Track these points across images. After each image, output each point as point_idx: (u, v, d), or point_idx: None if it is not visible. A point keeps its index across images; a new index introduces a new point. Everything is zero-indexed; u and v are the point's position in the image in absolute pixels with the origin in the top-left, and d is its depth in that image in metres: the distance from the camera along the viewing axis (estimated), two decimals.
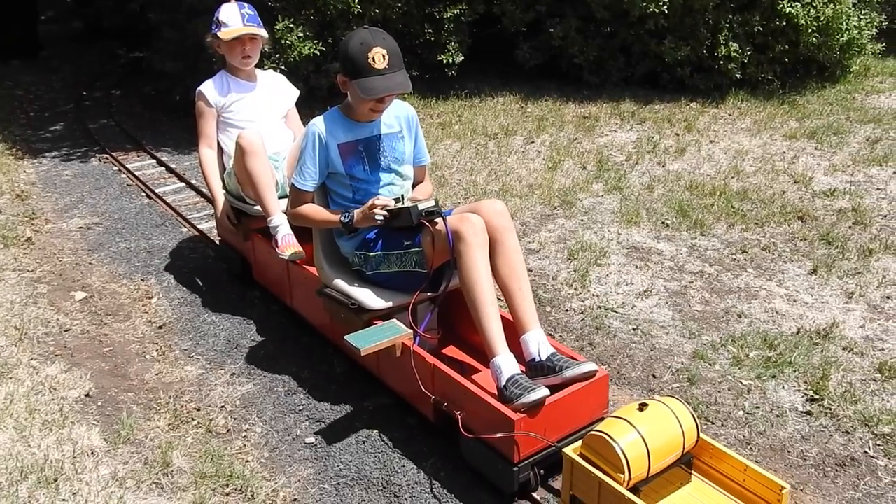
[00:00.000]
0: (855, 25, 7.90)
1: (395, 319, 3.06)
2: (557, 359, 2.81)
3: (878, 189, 5.48)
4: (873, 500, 2.68)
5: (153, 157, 6.78)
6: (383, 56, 2.90)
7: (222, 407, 3.33)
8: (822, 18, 7.62)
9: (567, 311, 3.98)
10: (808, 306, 3.93)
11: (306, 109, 7.31)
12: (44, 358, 3.65)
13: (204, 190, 5.85)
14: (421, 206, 2.99)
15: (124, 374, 3.58)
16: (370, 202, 3.07)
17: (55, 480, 2.81)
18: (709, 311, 3.92)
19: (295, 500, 2.81)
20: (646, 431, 2.46)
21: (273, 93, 4.21)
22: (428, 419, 3.03)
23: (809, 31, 7.60)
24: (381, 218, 3.03)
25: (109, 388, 3.47)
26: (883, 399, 3.18)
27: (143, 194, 5.91)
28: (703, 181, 5.65)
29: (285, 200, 3.68)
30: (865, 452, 2.91)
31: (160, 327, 3.98)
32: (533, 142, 6.69)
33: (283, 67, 6.65)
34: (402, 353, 3.00)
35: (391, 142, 3.23)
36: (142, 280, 4.48)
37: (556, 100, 7.89)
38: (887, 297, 3.98)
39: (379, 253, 3.17)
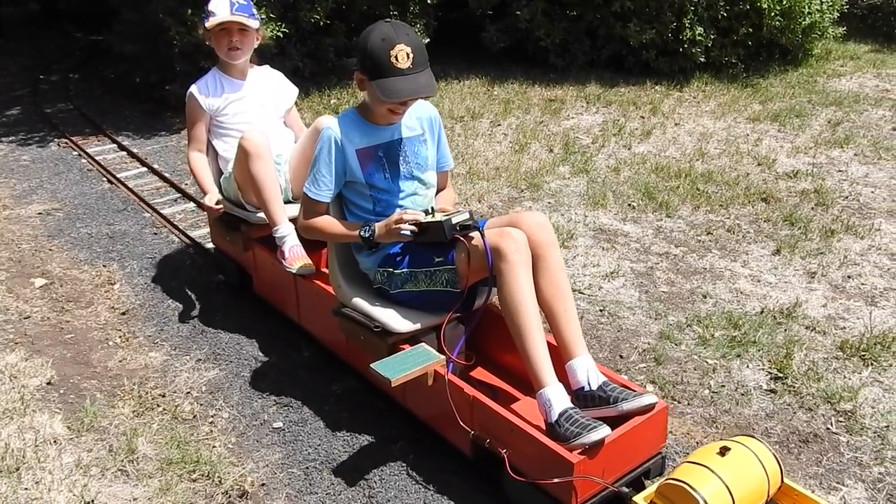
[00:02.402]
0: (817, 9, 7.99)
1: (423, 344, 2.77)
2: (611, 388, 2.53)
3: (839, 171, 5.56)
4: (836, 475, 2.73)
5: (114, 141, 6.66)
6: (407, 54, 2.59)
7: (188, 393, 3.28)
8: (784, 2, 7.70)
9: None
10: (771, 286, 3.98)
11: None
12: (3, 346, 3.58)
13: (167, 174, 5.76)
14: (455, 220, 2.68)
15: (87, 361, 3.52)
16: (396, 216, 2.75)
17: (17, 469, 2.75)
18: (674, 292, 3.95)
19: (263, 484, 2.78)
20: (729, 479, 2.19)
21: (270, 91, 3.89)
22: (463, 453, 2.72)
23: (772, 14, 7.67)
24: (409, 233, 2.73)
25: (72, 375, 3.40)
26: (844, 376, 3.23)
27: (104, 179, 5.80)
28: (668, 163, 5.69)
29: (290, 206, 3.56)
30: (828, 429, 2.95)
31: (123, 313, 3.91)
32: (499, 125, 6.68)
33: None
34: (435, 381, 2.70)
35: (413, 146, 2.92)
36: (104, 266, 4.40)
37: (522, 83, 7.89)
38: (848, 277, 4.05)
39: (405, 270, 2.86)
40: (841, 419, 3.00)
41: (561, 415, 2.43)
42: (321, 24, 7.21)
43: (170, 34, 6.54)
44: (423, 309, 2.88)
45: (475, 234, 2.67)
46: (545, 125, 6.65)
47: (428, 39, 7.83)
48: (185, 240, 4.67)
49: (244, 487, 2.76)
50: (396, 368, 2.61)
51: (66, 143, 6.70)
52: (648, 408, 2.49)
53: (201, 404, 3.21)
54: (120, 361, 3.51)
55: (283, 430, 3.06)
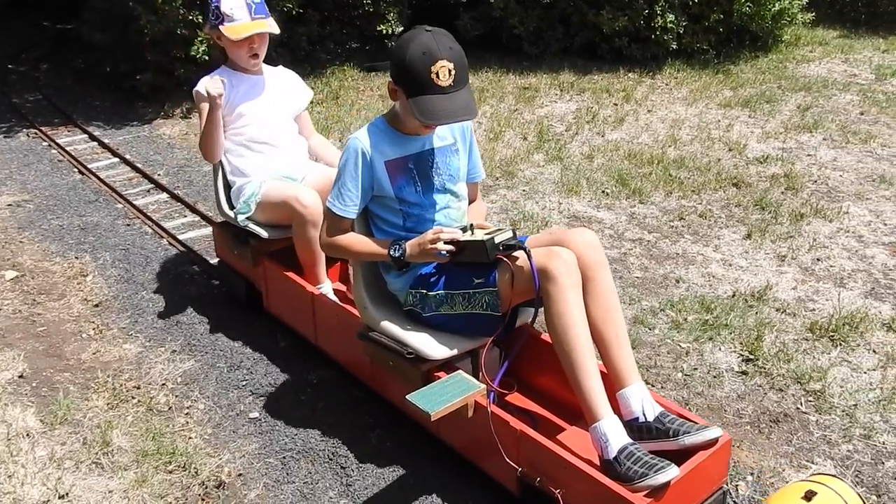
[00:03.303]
0: None
1: (461, 371, 2.55)
2: (670, 420, 2.35)
3: (808, 155, 5.63)
4: (805, 453, 2.78)
5: (85, 131, 6.58)
6: (449, 71, 2.36)
7: (163, 384, 3.27)
8: None
9: None
10: (742, 270, 4.04)
11: None
12: None
13: (139, 165, 5.71)
14: (498, 239, 2.48)
15: (60, 353, 3.49)
16: (431, 233, 2.53)
17: None
18: (648, 277, 3.99)
19: (240, 474, 2.78)
20: None
21: (284, 94, 3.61)
22: (509, 491, 2.52)
23: (742, 1, 7.72)
24: (446, 252, 2.52)
25: (44, 368, 3.38)
26: (814, 357, 3.29)
27: (76, 170, 5.74)
28: (641, 150, 5.73)
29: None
30: (798, 409, 3.01)
31: (96, 305, 3.88)
32: None
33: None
34: (476, 412, 2.47)
35: (445, 157, 2.70)
36: (76, 258, 4.36)
37: (496, 71, 7.89)
38: (817, 260, 4.11)
39: (441, 292, 2.63)
40: (810, 399, 3.05)
41: (620, 451, 2.25)
42: (294, 12, 7.15)
43: (140, 23, 6.47)
44: (458, 333, 2.67)
45: (520, 253, 2.46)
46: (519, 113, 6.67)
47: (401, 27, 7.80)
48: (159, 231, 4.64)
49: (221, 478, 2.75)
50: (435, 400, 2.38)
51: (35, 133, 6.61)
52: (713, 442, 2.30)
53: (177, 396, 3.20)
54: (94, 354, 3.48)
55: (260, 420, 3.06)
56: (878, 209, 4.70)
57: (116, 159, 5.92)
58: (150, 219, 4.78)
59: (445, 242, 2.50)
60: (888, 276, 3.94)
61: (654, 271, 4.05)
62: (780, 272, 4.00)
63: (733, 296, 3.77)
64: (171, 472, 2.77)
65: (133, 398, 3.17)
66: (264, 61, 3.62)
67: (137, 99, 7.25)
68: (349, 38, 8.03)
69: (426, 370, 2.62)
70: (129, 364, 3.41)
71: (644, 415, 2.38)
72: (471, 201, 2.89)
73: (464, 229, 2.58)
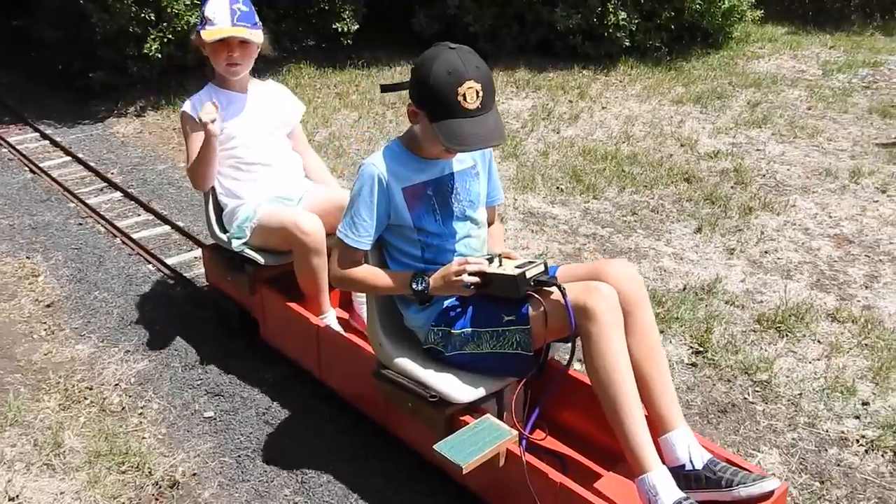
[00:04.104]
0: None
1: (489, 416, 2.36)
2: (721, 468, 2.19)
3: (757, 150, 5.75)
4: (752, 442, 2.86)
5: (36, 130, 6.48)
6: (477, 92, 2.17)
7: (116, 385, 3.25)
8: None
9: None
10: (693, 263, 4.12)
11: (195, 80, 7.12)
12: None
13: (92, 164, 5.63)
14: (529, 273, 2.31)
15: (10, 355, 3.44)
16: (456, 265, 2.34)
17: None
18: None
19: (194, 474, 2.78)
20: None
21: (273, 109, 3.39)
22: None
23: None
24: (472, 284, 2.33)
25: None
26: (761, 348, 3.37)
27: (26, 169, 5.65)
28: (595, 146, 5.80)
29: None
30: (745, 399, 3.09)
31: (48, 306, 3.83)
32: None
33: (170, 37, 6.43)
34: (508, 462, 2.30)
35: (465, 181, 2.50)
36: (27, 258, 4.29)
37: None
38: (765, 252, 4.21)
39: (466, 330, 2.42)
40: (757, 389, 3.13)
41: None
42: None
43: (92, 21, 6.38)
44: (482, 372, 2.45)
45: (554, 289, 2.27)
46: None
47: (357, 25, 7.79)
48: (112, 230, 4.59)
49: (175, 477, 2.75)
50: (465, 451, 2.20)
51: None
52: (769, 495, 2.13)
53: (130, 396, 3.18)
54: (45, 355, 3.44)
55: (215, 419, 3.06)
56: (823, 202, 4.83)
57: (69, 158, 5.83)
58: (103, 218, 4.73)
59: (471, 274, 2.32)
60: (833, 267, 4.05)
61: None
62: (730, 265, 4.09)
63: (684, 289, 3.85)
64: (124, 473, 2.75)
65: (85, 399, 3.14)
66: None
67: (90, 97, 7.14)
68: (305, 36, 7.99)
69: (450, 414, 2.40)
70: (81, 365, 3.37)
71: (691, 462, 2.22)
72: (489, 224, 2.69)
73: (490, 260, 2.39)
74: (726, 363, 3.27)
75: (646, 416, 2.25)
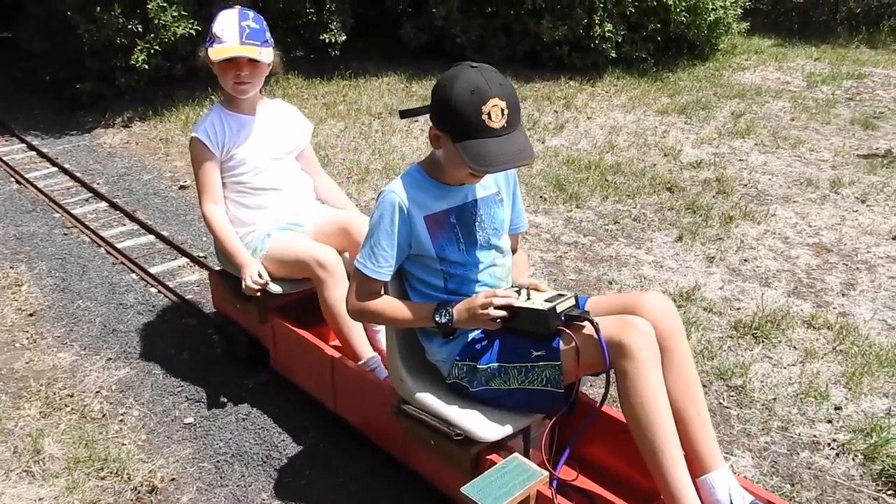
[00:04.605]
0: (721, 5, 8.28)
1: (517, 455, 2.24)
2: None
3: (740, 160, 5.80)
4: (726, 446, 2.88)
5: (23, 141, 6.51)
6: (502, 110, 2.07)
7: (97, 392, 3.26)
8: None
9: None
10: (673, 271, 4.16)
11: (182, 91, 7.16)
12: None
13: (78, 174, 5.66)
14: (560, 307, 2.20)
15: None
16: (483, 298, 2.23)
17: None
18: (582, 279, 4.09)
19: (173, 479, 2.80)
20: None
21: (283, 131, 3.25)
22: None
23: (678, 10, 7.93)
24: (498, 318, 2.22)
25: None
26: (737, 354, 3.41)
27: (13, 179, 5.66)
28: (579, 156, 5.85)
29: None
30: (720, 403, 3.12)
31: (31, 315, 3.85)
32: (417, 121, 6.74)
33: (157, 48, 6.47)
34: (539, 503, 2.21)
35: (489, 208, 2.39)
36: (10, 268, 4.31)
37: None
38: (744, 260, 4.25)
39: (493, 365, 2.30)
40: (732, 394, 3.17)
41: None
42: None
43: (79, 31, 6.42)
44: (511, 409, 2.34)
45: (587, 324, 2.16)
46: None
47: (345, 36, 7.85)
48: (97, 240, 4.61)
49: (154, 483, 2.77)
50: (494, 493, 2.10)
51: None
52: None
53: (111, 403, 3.20)
54: (27, 363, 3.46)
55: (195, 425, 3.07)
56: (804, 211, 4.88)
57: (55, 168, 5.85)
58: (87, 228, 4.74)
59: (498, 307, 2.21)
60: (811, 275, 4.10)
61: (588, 273, 4.15)
62: (709, 273, 4.13)
63: None
64: (103, 479, 2.77)
65: (66, 406, 3.15)
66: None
67: (78, 108, 7.17)
68: (293, 47, 8.04)
69: (475, 453, 2.29)
70: (63, 373, 3.39)
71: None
72: (512, 252, 2.56)
73: (517, 292, 2.30)
74: (702, 368, 3.30)
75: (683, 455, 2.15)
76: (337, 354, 2.89)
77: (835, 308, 3.76)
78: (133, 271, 4.24)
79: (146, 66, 6.48)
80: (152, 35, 6.46)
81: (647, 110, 7.04)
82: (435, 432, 2.35)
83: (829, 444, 2.85)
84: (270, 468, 2.83)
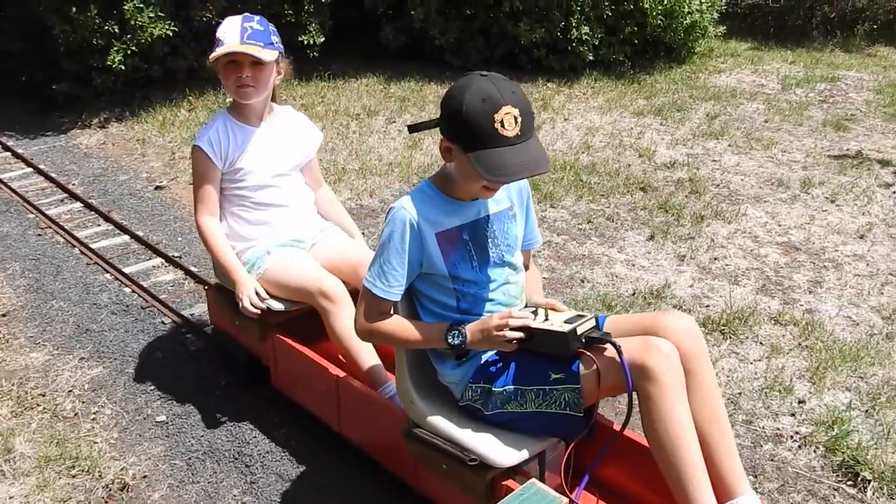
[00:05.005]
0: (697, 9, 8.37)
1: (534, 481, 2.12)
2: None
3: (713, 161, 5.88)
4: None
5: None
6: (515, 118, 2.00)
7: (70, 391, 3.27)
8: (665, 2, 8.03)
9: None
10: (644, 269, 4.21)
11: (160, 92, 7.16)
12: None
13: (53, 175, 5.64)
14: (580, 329, 2.12)
15: None
16: (499, 318, 2.15)
17: None
18: (555, 278, 4.13)
19: (145, 476, 2.81)
20: None
21: (291, 143, 3.11)
22: None
23: (654, 14, 8.00)
24: (514, 339, 2.14)
25: None
26: None
27: None
28: (555, 156, 5.90)
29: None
30: None
31: (3, 315, 3.84)
32: (394, 122, 6.78)
33: (134, 49, 6.46)
34: None
35: (502, 223, 2.31)
36: None
37: (418, 80, 8.01)
38: (715, 259, 4.31)
39: (510, 387, 2.22)
40: None
41: None
42: (213, 22, 7.15)
43: (54, 32, 6.40)
44: (527, 432, 2.25)
45: (609, 346, 2.08)
46: None
47: (323, 38, 7.86)
48: (71, 240, 4.60)
49: (125, 480, 2.78)
50: None
51: None
52: None
53: (83, 402, 3.20)
54: None
55: (167, 423, 3.09)
56: (774, 211, 4.95)
57: (30, 169, 5.83)
58: (62, 228, 4.74)
59: (514, 328, 2.14)
60: (779, 273, 4.16)
61: (561, 272, 4.20)
62: (679, 271, 4.19)
63: (633, 294, 3.94)
64: (74, 477, 2.78)
65: (38, 405, 3.16)
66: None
67: (54, 108, 7.15)
68: None
69: (491, 478, 2.21)
70: (35, 372, 3.39)
71: None
72: (524, 268, 2.48)
73: (534, 312, 2.22)
74: None
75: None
76: (342, 374, 2.77)
77: (801, 305, 3.83)
78: (107, 271, 4.24)
79: (123, 67, 6.47)
80: (129, 36, 6.44)
81: (624, 112, 7.10)
82: (448, 457, 2.26)
83: (791, 437, 2.91)
84: (242, 464, 2.85)
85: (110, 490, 2.74)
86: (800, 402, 3.09)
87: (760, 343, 3.50)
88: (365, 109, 7.03)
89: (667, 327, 2.15)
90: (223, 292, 3.18)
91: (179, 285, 4.12)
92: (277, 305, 2.94)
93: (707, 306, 3.83)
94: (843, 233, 4.64)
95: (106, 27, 6.36)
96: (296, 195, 3.13)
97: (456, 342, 2.19)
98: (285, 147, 3.09)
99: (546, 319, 2.18)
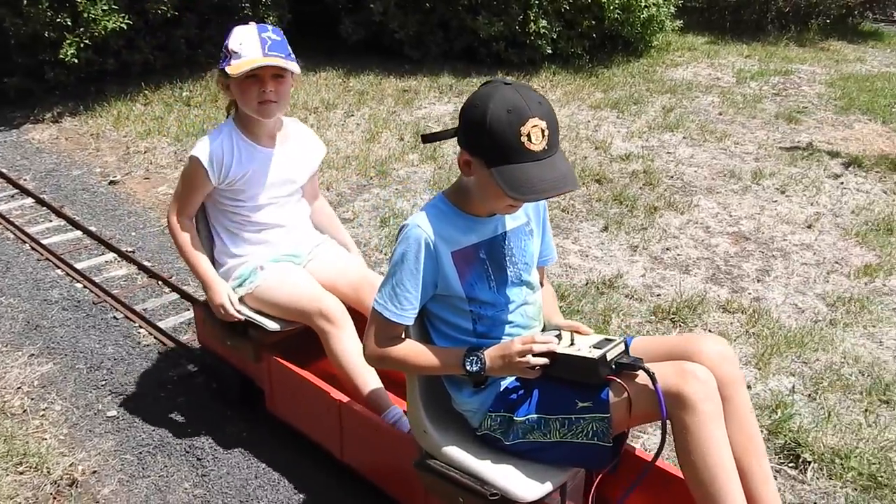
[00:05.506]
0: (654, 3, 8.45)
1: None
2: None
3: (668, 153, 5.96)
4: (639, 428, 2.98)
5: None
6: (542, 131, 1.86)
7: (19, 388, 3.23)
8: None
9: (381, 274, 4.11)
10: (597, 260, 4.27)
11: (115, 86, 7.07)
12: None
13: (4, 170, 5.55)
14: (610, 355, 1.98)
15: None
16: (520, 344, 2.01)
17: None
18: None
19: (94, 472, 2.79)
20: None
21: (297, 166, 2.92)
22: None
23: (612, 8, 8.07)
24: (538, 366, 2.00)
25: None
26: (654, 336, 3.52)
27: None
28: None
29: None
30: None
31: None
32: (353, 115, 6.77)
33: (87, 42, 6.37)
34: None
35: (519, 240, 2.18)
36: None
37: (377, 74, 8.00)
38: (667, 249, 4.38)
39: (533, 416, 2.08)
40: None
41: None
42: (169, 15, 7.08)
43: (4, 25, 6.29)
44: (550, 463, 2.11)
45: (641, 372, 1.95)
46: (397, 115, 6.80)
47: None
48: (21, 236, 4.53)
49: (74, 476, 2.76)
50: None
51: None
52: None
53: (32, 399, 3.17)
54: None
55: (118, 418, 3.07)
56: (725, 202, 5.04)
57: None
58: (12, 224, 4.66)
59: (538, 354, 2.00)
60: (728, 262, 4.24)
61: None
62: (632, 261, 4.25)
63: (586, 284, 3.99)
64: (21, 473, 2.75)
65: None
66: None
67: (5, 103, 7.01)
68: None
69: None
70: None
71: None
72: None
73: (558, 336, 2.09)
74: None
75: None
76: (345, 398, 2.60)
77: (749, 293, 3.91)
78: (58, 267, 4.19)
79: (76, 61, 6.37)
80: (82, 29, 6.34)
81: (581, 105, 7.16)
82: (465, 490, 2.11)
83: None
84: (193, 458, 2.84)
85: (59, 486, 2.72)
86: (746, 387, 3.14)
87: (709, 330, 3.57)
88: (323, 103, 7.01)
89: (701, 352, 2.03)
90: (212, 310, 2.92)
91: (133, 280, 4.08)
92: (272, 325, 2.76)
93: (658, 295, 3.89)
94: (792, 223, 4.74)
95: (58, 20, 6.24)
96: (295, 213, 2.97)
97: (474, 369, 2.04)
98: (292, 170, 2.90)
99: (572, 344, 2.05)
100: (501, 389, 2.14)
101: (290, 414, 2.86)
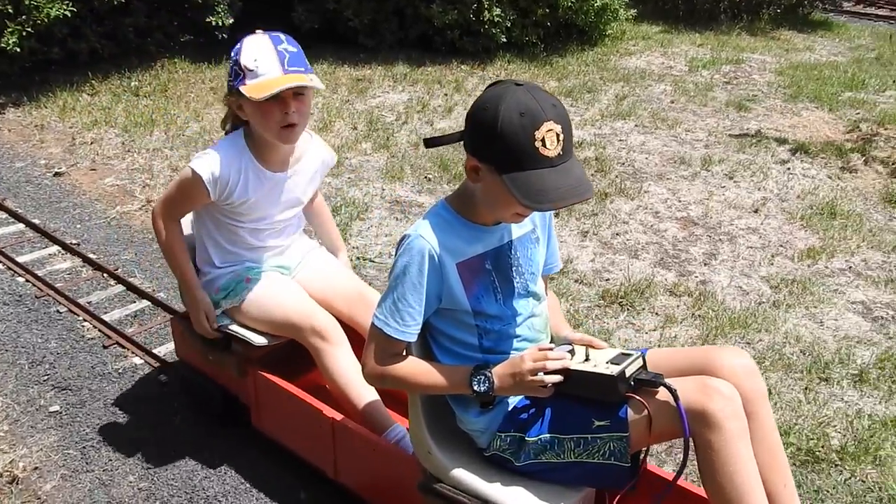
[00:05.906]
0: None
1: None
2: None
3: (620, 140, 6.00)
4: None
5: None
6: (557, 136, 1.75)
7: None
8: None
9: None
10: None
11: (60, 76, 6.92)
12: None
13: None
14: (629, 370, 1.88)
15: None
16: (531, 361, 1.90)
17: None
18: None
19: (36, 468, 2.74)
20: None
21: (307, 188, 2.71)
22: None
23: None
24: (551, 384, 1.90)
25: None
26: (602, 321, 3.56)
27: None
28: None
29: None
30: None
31: None
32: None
33: (30, 30, 6.22)
34: None
35: (525, 249, 2.07)
36: None
37: (331, 63, 7.93)
38: (616, 234, 4.42)
39: (545, 436, 1.96)
40: None
41: None
42: (117, 2, 6.94)
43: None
44: (563, 484, 2.00)
45: (662, 389, 1.84)
46: (351, 104, 6.75)
47: (232, 20, 7.71)
48: None
49: (14, 473, 2.71)
50: None
51: None
52: None
53: None
54: None
55: (60, 413, 3.02)
56: (675, 188, 5.10)
57: None
58: None
59: (551, 372, 1.88)
60: (676, 247, 4.29)
61: None
62: (582, 246, 4.28)
63: None
64: None
65: None
66: None
67: None
68: (181, 30, 7.86)
69: None
70: None
71: None
72: None
73: (571, 352, 1.98)
74: None
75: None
76: (339, 416, 2.46)
77: (696, 277, 3.96)
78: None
79: (18, 50, 6.22)
80: (24, 17, 6.19)
81: None
82: None
83: None
84: (138, 451, 2.81)
85: None
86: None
87: (656, 314, 3.61)
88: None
89: (723, 366, 1.93)
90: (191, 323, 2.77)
91: (77, 273, 4.01)
92: (259, 340, 2.60)
93: (607, 280, 3.93)
94: (739, 207, 4.81)
95: (1, 8, 6.10)
96: (293, 229, 2.81)
97: (482, 388, 1.92)
98: (300, 192, 2.70)
99: (587, 359, 1.94)
100: (510, 408, 2.03)
101: (279, 431, 2.72)
